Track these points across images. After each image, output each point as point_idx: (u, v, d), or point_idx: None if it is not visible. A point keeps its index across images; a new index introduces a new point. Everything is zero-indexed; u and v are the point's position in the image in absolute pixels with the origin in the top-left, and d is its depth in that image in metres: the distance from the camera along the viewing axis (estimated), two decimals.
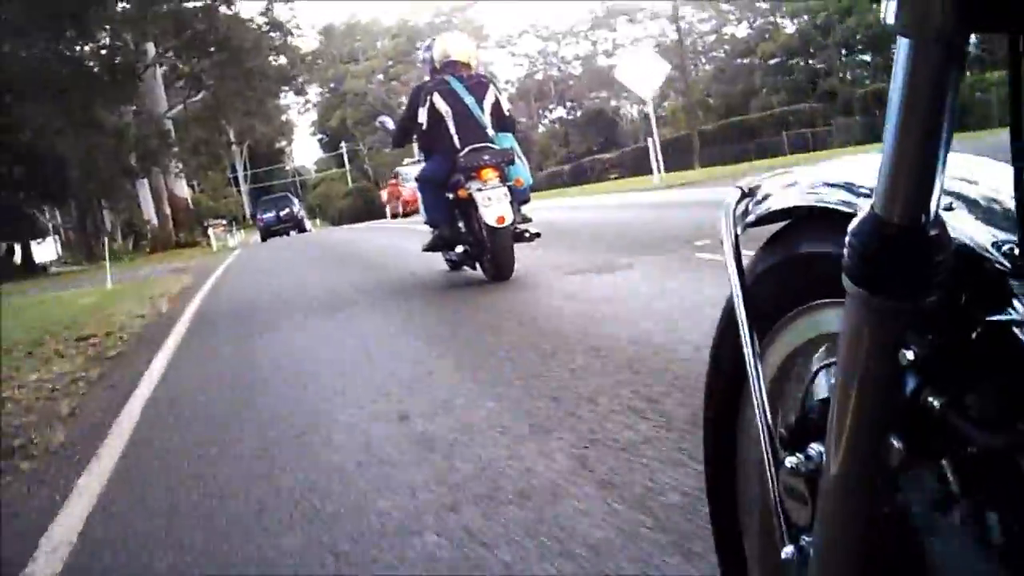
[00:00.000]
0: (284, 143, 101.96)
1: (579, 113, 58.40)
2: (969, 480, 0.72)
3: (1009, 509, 0.69)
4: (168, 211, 37.58)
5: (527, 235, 6.84)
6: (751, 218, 0.97)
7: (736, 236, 0.98)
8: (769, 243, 0.97)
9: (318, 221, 66.20)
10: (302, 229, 39.79)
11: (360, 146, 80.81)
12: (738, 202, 0.99)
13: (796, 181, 0.93)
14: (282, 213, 39.96)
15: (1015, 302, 0.64)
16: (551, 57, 72.70)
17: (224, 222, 55.69)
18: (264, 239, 37.13)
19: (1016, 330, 0.62)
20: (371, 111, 72.73)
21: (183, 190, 39.52)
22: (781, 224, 0.96)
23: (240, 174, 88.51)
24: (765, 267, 0.97)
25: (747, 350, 0.93)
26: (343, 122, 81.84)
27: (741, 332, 0.94)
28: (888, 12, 0.56)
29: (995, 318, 0.63)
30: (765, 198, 0.95)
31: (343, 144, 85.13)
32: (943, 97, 0.59)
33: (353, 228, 30.77)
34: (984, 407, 0.65)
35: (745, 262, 0.98)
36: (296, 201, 44.04)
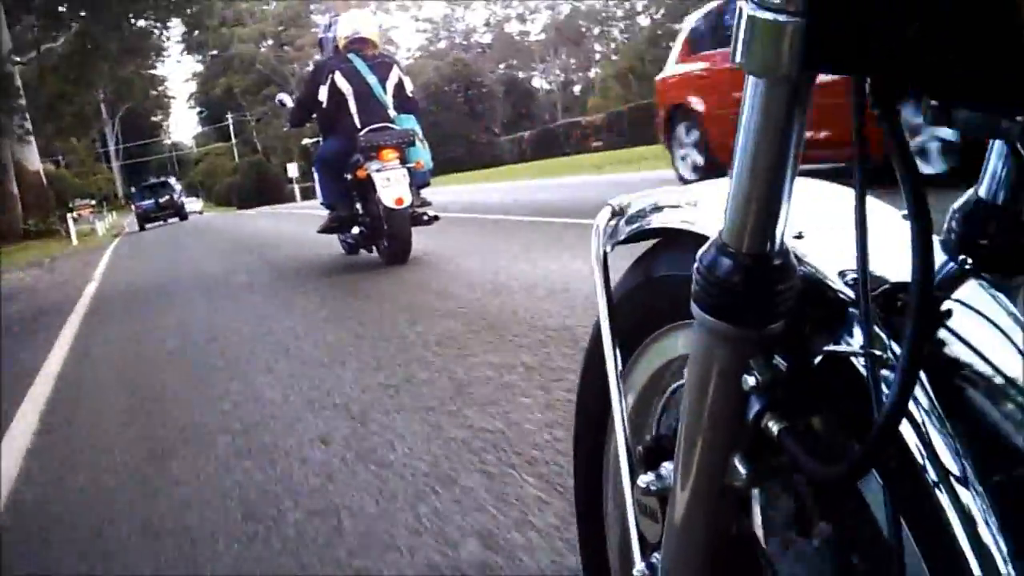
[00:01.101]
0: (160, 116, 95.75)
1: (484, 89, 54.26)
2: (811, 501, 0.74)
3: (849, 529, 0.71)
4: (15, 190, 28.35)
5: (425, 218, 6.81)
6: (620, 236, 0.98)
7: (605, 255, 0.99)
8: (635, 264, 0.98)
9: (202, 202, 60.99)
10: (183, 216, 38.48)
11: (248, 117, 74.25)
12: (608, 220, 1.00)
13: (663, 201, 0.94)
14: (161, 200, 38.10)
15: (854, 331, 0.65)
16: (457, 23, 69.06)
17: (92, 203, 50.42)
18: (142, 227, 35.31)
19: (852, 360, 0.63)
20: (260, 78, 68.72)
21: (35, 162, 30.07)
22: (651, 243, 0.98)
23: (112, 148, 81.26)
24: (631, 287, 0.98)
25: (610, 370, 0.94)
26: (229, 91, 75.46)
27: (605, 352, 0.95)
28: (736, 51, 0.57)
29: (833, 348, 0.65)
30: (633, 217, 0.96)
31: (228, 115, 78.27)
32: (788, 133, 0.60)
33: (259, 214, 28.24)
34: (822, 433, 0.67)
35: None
36: (176, 187, 41.96)
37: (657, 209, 0.94)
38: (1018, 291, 0.73)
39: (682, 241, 0.87)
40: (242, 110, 74.97)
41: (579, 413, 1.13)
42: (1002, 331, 0.64)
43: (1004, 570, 0.52)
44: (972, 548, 0.53)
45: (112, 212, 56.90)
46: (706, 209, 0.86)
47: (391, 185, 6.32)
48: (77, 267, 14.48)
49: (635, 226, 0.95)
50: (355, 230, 7.10)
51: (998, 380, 0.60)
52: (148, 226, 35.39)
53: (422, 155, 6.84)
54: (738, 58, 0.58)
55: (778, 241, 0.65)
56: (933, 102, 0.56)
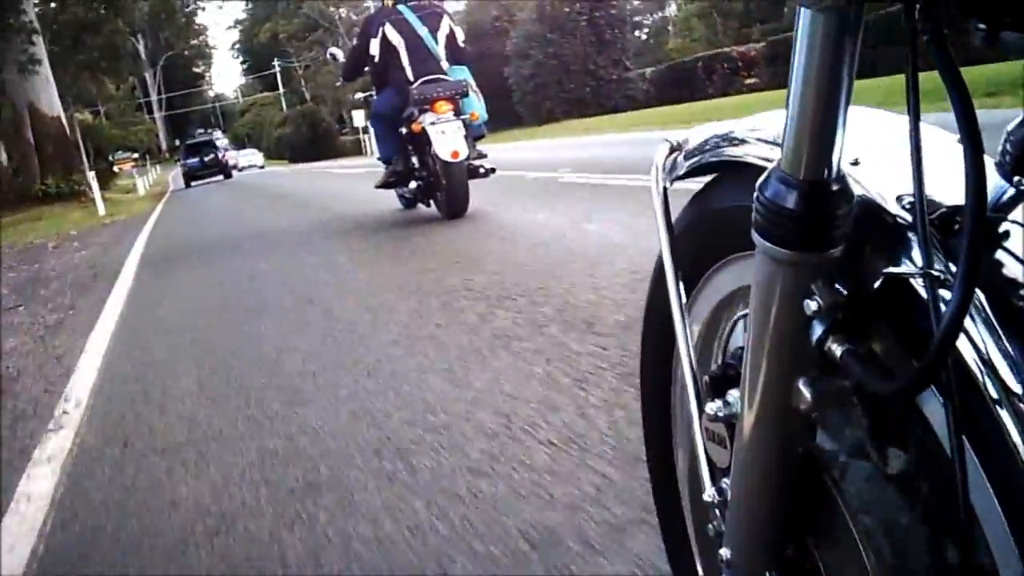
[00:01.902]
0: (202, 67, 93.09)
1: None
2: (875, 421, 0.75)
3: (912, 446, 0.73)
4: (30, 137, 22.80)
5: (482, 171, 6.77)
6: (679, 172, 0.99)
7: (665, 190, 1.00)
8: (696, 197, 1.00)
9: (261, 156, 57.44)
10: (227, 175, 38.35)
11: (295, 64, 68.92)
12: (667, 156, 1.01)
13: (720, 135, 0.95)
14: (207, 158, 38.23)
15: (912, 254, 0.66)
16: None
17: (134, 156, 48.72)
18: (187, 184, 35.45)
19: (912, 281, 0.65)
20: (307, 23, 63.83)
21: (54, 106, 23.72)
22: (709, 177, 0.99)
23: (154, 98, 77.77)
24: (691, 220, 1.00)
25: (674, 302, 0.96)
26: (274, 37, 70.35)
27: (668, 284, 0.97)
28: None
29: (892, 270, 0.66)
30: (691, 152, 0.98)
31: (275, 62, 72.73)
32: (840, 64, 0.61)
33: (325, 172, 24.85)
34: (883, 354, 0.68)
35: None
36: (220, 145, 41.84)
37: (715, 143, 0.95)
38: None
39: (740, 173, 0.89)
40: (288, 57, 70.52)
41: (644, 345, 1.15)
42: None
43: None
44: None
45: (156, 166, 53.72)
46: (763, 140, 0.87)
47: (446, 138, 6.27)
48: (83, 273, 8.59)
49: (694, 160, 0.96)
50: (412, 184, 7.07)
51: None
52: (194, 183, 35.47)
53: (476, 106, 6.78)
54: None
55: (835, 168, 0.66)
56: (981, 25, 0.57)
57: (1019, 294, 0.62)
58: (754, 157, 0.85)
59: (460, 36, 7.07)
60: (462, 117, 6.46)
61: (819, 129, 0.64)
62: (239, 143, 70.71)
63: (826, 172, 0.66)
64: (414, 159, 6.95)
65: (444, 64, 6.78)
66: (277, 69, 73.93)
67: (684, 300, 0.96)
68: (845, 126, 0.65)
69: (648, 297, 1.11)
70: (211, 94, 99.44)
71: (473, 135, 6.75)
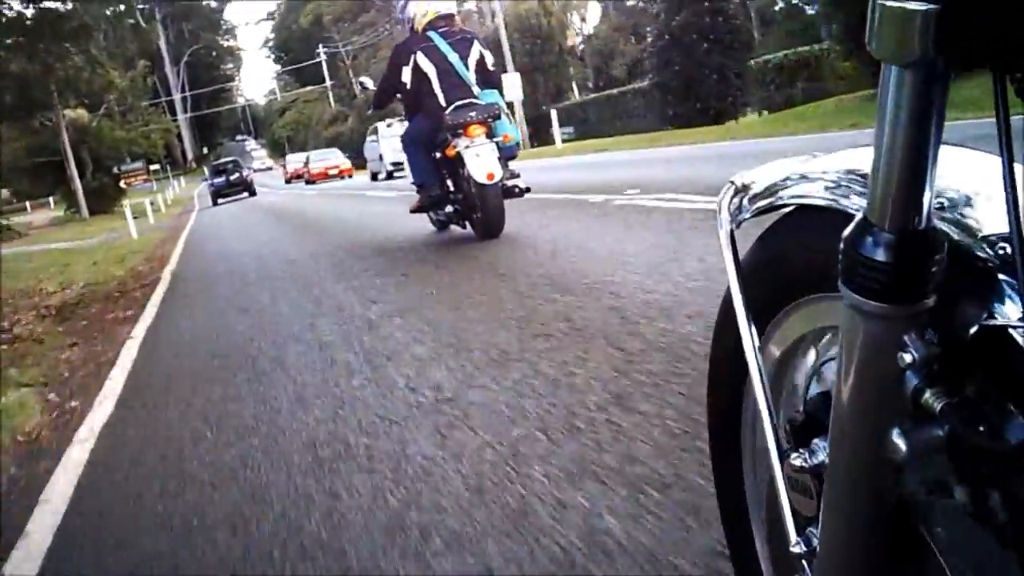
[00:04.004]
0: (231, 66, 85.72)
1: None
2: (972, 473, 0.73)
3: (1012, 502, 0.71)
4: None
5: (517, 190, 6.89)
6: (746, 214, 0.98)
7: (732, 231, 0.99)
8: (765, 236, 0.98)
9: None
10: (252, 193, 38.33)
11: (342, 51, 58.57)
12: (732, 197, 1.00)
13: (789, 175, 0.93)
14: (232, 177, 38.54)
15: (1007, 300, 0.65)
16: None
17: (142, 168, 40.33)
18: (215, 202, 35.34)
19: (1011, 331, 0.63)
20: (355, 3, 54.90)
21: None
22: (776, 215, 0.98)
23: (176, 97, 66.96)
24: (761, 259, 0.98)
25: (747, 344, 0.95)
26: (317, 21, 60.61)
27: (740, 325, 0.95)
28: (870, 38, 0.58)
29: (988, 321, 0.64)
30: (759, 193, 0.96)
31: (319, 49, 61.61)
32: (927, 116, 0.60)
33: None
34: (983, 406, 0.66)
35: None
36: (247, 167, 41.51)
37: (782, 184, 0.93)
38: None
39: (811, 214, 0.87)
40: (333, 44, 60.33)
41: (712, 391, 1.14)
42: None
43: None
44: None
45: (179, 178, 43.72)
46: (835, 182, 0.86)
47: (481, 161, 6.37)
48: None
49: (762, 202, 0.95)
50: (448, 208, 7.18)
51: None
52: (220, 201, 35.64)
53: (508, 128, 6.85)
54: (875, 46, 0.58)
55: (925, 215, 0.65)
56: None
57: None
58: (829, 199, 0.84)
59: (490, 59, 7.14)
60: (495, 140, 6.55)
61: (908, 181, 0.63)
62: (278, 149, 62.12)
63: (916, 221, 0.65)
64: (449, 182, 7.07)
65: (475, 89, 6.86)
66: (323, 57, 63.38)
67: (757, 342, 0.95)
68: (934, 177, 0.63)
69: (714, 340, 1.10)
70: (241, 100, 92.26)
71: (506, 155, 6.83)
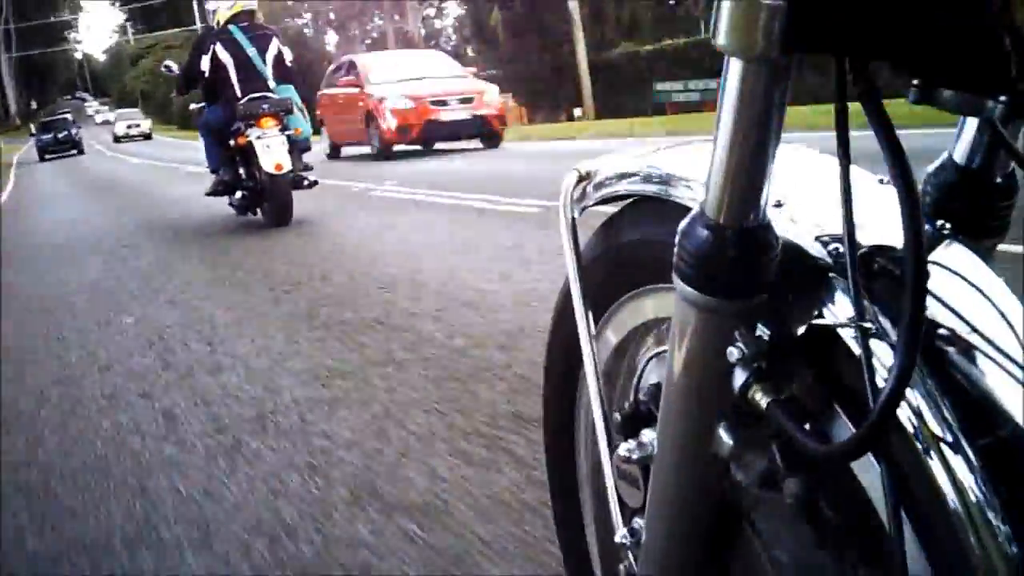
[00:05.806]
0: (66, 10, 76.59)
1: None
2: (795, 470, 0.74)
3: (834, 500, 0.72)
4: None
5: (305, 183, 7.33)
6: (589, 201, 0.97)
7: (573, 219, 0.98)
8: (604, 226, 0.98)
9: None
10: (80, 150, 39.60)
11: None
12: (575, 185, 0.99)
13: (629, 166, 0.93)
14: (60, 135, 39.48)
15: (837, 300, 0.66)
16: None
17: None
18: (42, 159, 36.23)
19: (839, 331, 0.64)
20: None
21: None
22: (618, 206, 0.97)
23: None
24: (601, 249, 0.98)
25: (583, 332, 0.94)
26: None
27: (576, 316, 0.95)
28: (715, 32, 0.57)
29: (818, 320, 0.65)
30: (602, 182, 0.95)
31: None
32: (769, 112, 0.60)
33: None
34: (809, 404, 0.67)
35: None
36: (77, 125, 42.49)
37: (624, 175, 0.93)
38: (991, 253, 0.74)
39: (650, 205, 0.87)
40: None
41: (548, 380, 1.13)
42: (980, 292, 0.65)
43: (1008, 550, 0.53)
44: (968, 521, 0.54)
45: None
46: (675, 175, 0.86)
47: (271, 152, 6.79)
48: None
49: (604, 192, 0.94)
50: (238, 194, 7.54)
51: (978, 341, 0.61)
52: (48, 157, 36.58)
53: (300, 123, 7.40)
54: (718, 40, 0.58)
55: (760, 212, 0.65)
56: (915, 82, 0.56)
57: (943, 337, 0.62)
58: (667, 191, 0.84)
59: (288, 56, 7.54)
60: (287, 132, 6.97)
61: (746, 177, 0.63)
62: (132, 106, 58.84)
63: (752, 217, 0.64)
64: (241, 170, 7.46)
65: (271, 83, 7.24)
66: None
67: (593, 333, 0.94)
68: (771, 174, 0.63)
69: (551, 330, 1.09)
70: (79, 55, 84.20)
71: (299, 149, 7.33)
